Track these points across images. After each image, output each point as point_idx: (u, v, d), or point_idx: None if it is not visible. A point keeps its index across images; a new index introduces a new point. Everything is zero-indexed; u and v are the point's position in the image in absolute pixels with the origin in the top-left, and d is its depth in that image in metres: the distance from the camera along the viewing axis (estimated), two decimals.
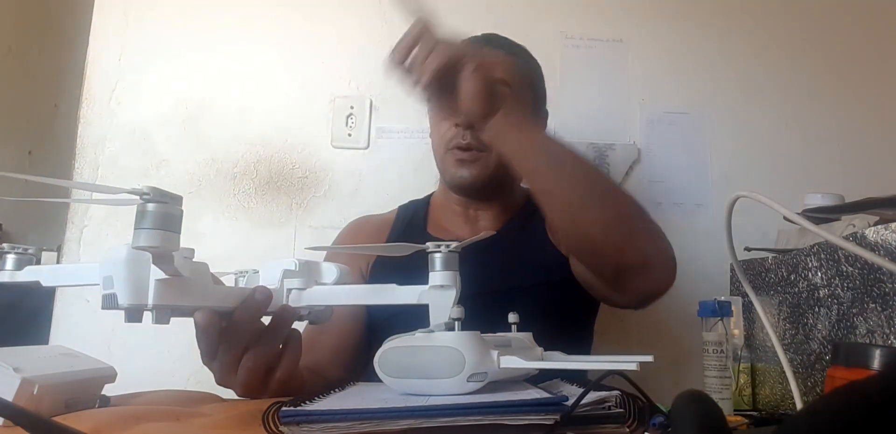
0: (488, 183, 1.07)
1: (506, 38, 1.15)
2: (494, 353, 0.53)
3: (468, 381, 0.52)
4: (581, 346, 1.10)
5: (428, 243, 0.61)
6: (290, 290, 0.66)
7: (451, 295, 0.60)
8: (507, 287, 1.01)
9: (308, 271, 0.68)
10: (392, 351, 0.55)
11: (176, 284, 0.54)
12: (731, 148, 1.51)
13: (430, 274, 0.61)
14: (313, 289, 0.66)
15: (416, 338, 0.55)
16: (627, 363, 0.50)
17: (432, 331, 0.55)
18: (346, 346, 1.03)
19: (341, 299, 0.66)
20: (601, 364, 0.56)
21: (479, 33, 1.17)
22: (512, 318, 0.66)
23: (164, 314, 0.54)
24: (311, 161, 1.45)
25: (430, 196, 1.22)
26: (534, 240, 1.10)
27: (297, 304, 0.66)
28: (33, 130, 3.16)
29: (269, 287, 0.64)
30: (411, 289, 0.62)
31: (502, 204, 1.14)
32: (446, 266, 0.61)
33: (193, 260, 0.58)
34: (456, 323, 0.55)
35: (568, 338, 0.93)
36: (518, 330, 0.66)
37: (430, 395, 0.52)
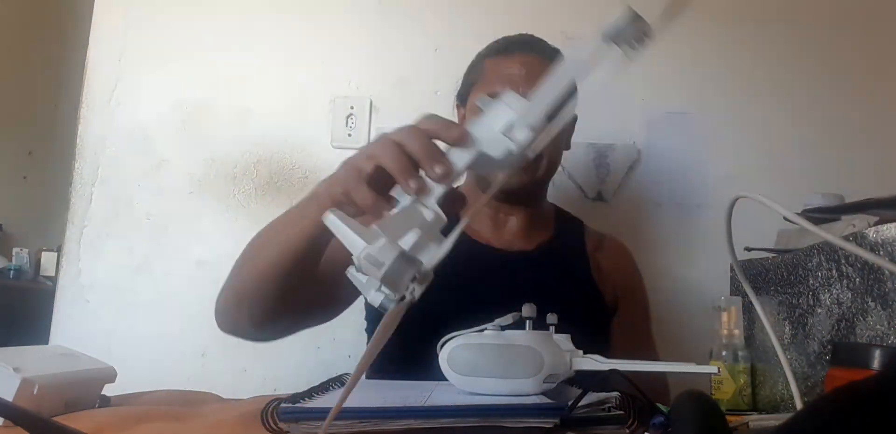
0: (531, 191, 1.10)
1: (543, 40, 1.13)
2: (567, 355, 0.53)
3: (545, 382, 0.51)
4: None
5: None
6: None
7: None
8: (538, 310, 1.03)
9: None
10: (463, 348, 0.54)
11: None
12: (731, 148, 1.50)
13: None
14: None
15: (490, 336, 0.54)
16: (706, 367, 0.50)
17: (501, 327, 0.55)
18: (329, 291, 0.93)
19: None
20: (677, 368, 0.55)
21: (514, 34, 1.14)
22: (551, 319, 0.65)
23: None
24: (311, 161, 1.45)
25: None
26: (572, 269, 1.12)
27: None
28: (33, 130, 3.17)
29: None
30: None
31: (532, 210, 1.14)
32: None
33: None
34: (528, 322, 0.54)
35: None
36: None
37: (500, 395, 0.51)
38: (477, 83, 1.11)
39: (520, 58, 1.07)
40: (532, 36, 1.14)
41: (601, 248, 1.17)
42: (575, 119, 1.18)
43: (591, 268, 1.12)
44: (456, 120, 1.20)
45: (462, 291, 1.02)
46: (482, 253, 1.09)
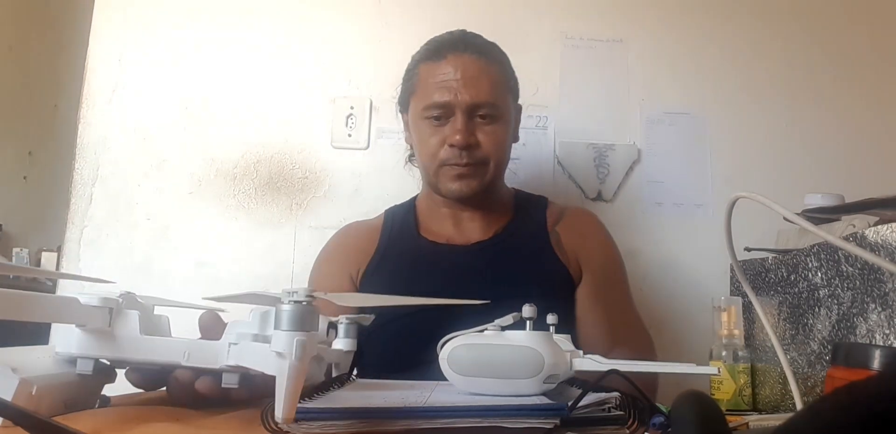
0: (484, 193, 1.10)
1: (477, 36, 1.14)
2: (568, 355, 0.53)
3: (545, 383, 0.51)
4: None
5: (341, 316, 0.66)
6: (230, 345, 0.52)
7: (351, 357, 0.66)
8: (504, 295, 1.03)
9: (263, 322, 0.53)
10: (463, 348, 0.54)
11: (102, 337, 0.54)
12: (731, 148, 1.51)
13: (336, 340, 0.66)
14: (242, 346, 0.51)
15: (491, 336, 0.54)
16: (706, 367, 0.50)
17: (502, 328, 0.55)
18: None
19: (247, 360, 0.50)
20: (677, 368, 0.55)
21: (453, 30, 1.15)
22: (551, 319, 0.65)
23: (86, 363, 0.54)
24: (311, 161, 1.45)
25: (413, 199, 1.23)
26: (531, 248, 1.12)
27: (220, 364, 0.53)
28: (33, 130, 3.17)
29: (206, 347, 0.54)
30: (330, 350, 0.65)
31: (489, 206, 1.15)
32: (348, 334, 0.66)
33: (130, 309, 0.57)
34: (528, 322, 0.54)
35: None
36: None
37: (500, 396, 0.51)
38: (415, 92, 1.11)
39: (452, 60, 1.06)
40: (464, 32, 1.13)
41: (561, 221, 1.16)
42: (519, 110, 1.18)
43: (551, 242, 1.11)
44: (402, 125, 1.20)
45: (431, 293, 1.02)
46: (442, 252, 1.11)
